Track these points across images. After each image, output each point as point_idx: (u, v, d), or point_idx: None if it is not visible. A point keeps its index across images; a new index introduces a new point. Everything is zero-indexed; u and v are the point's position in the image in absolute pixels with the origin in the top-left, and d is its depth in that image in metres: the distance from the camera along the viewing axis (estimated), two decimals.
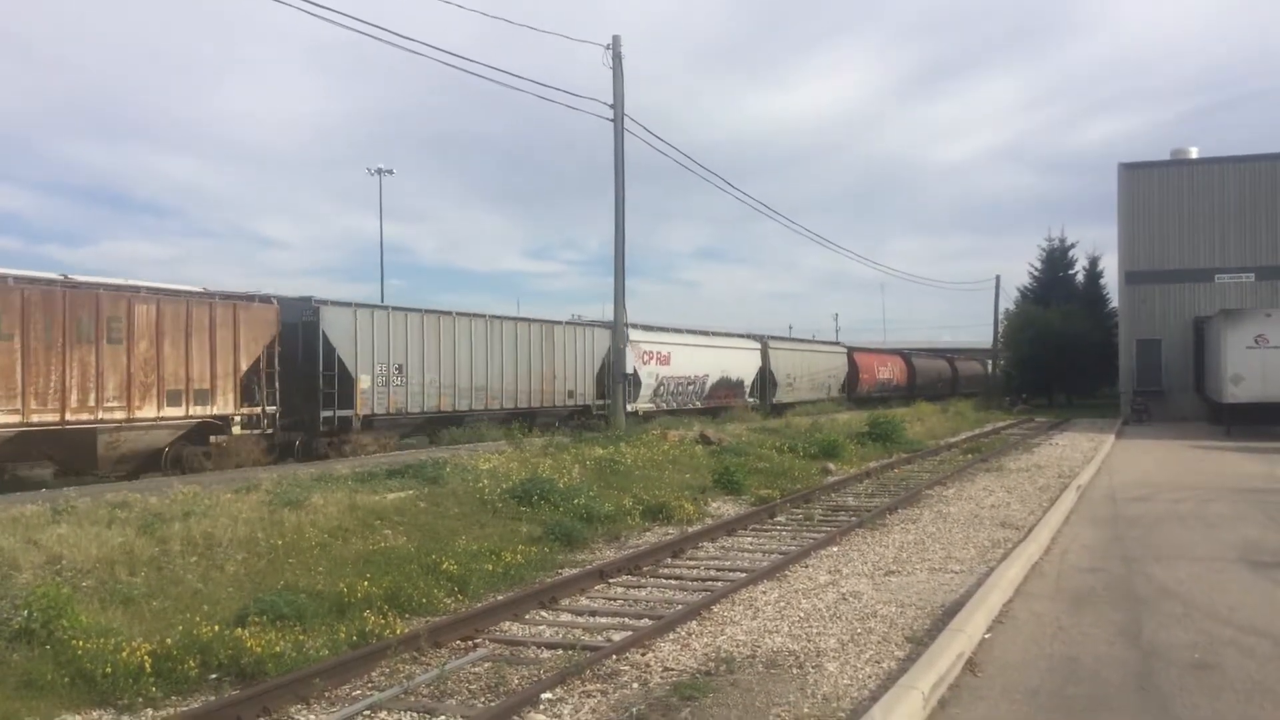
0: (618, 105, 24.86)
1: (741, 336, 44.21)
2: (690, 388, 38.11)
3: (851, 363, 55.04)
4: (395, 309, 24.57)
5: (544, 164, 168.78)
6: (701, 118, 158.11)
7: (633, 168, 32.32)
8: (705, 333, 40.96)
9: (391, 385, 23.86)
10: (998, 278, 68.85)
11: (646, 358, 34.57)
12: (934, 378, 68.67)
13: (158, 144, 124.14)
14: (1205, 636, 7.90)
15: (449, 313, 26.29)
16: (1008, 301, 67.06)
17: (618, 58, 24.82)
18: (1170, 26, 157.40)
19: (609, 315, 27.63)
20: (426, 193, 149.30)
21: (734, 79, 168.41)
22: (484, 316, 27.40)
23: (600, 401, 31.56)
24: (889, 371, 61.26)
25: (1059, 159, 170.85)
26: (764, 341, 44.64)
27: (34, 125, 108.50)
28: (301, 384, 21.75)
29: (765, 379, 44.07)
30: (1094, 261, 61.66)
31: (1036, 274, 63.23)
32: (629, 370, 30.64)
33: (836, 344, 57.45)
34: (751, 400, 42.47)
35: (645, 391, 34.60)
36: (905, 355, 67.04)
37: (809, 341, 53.86)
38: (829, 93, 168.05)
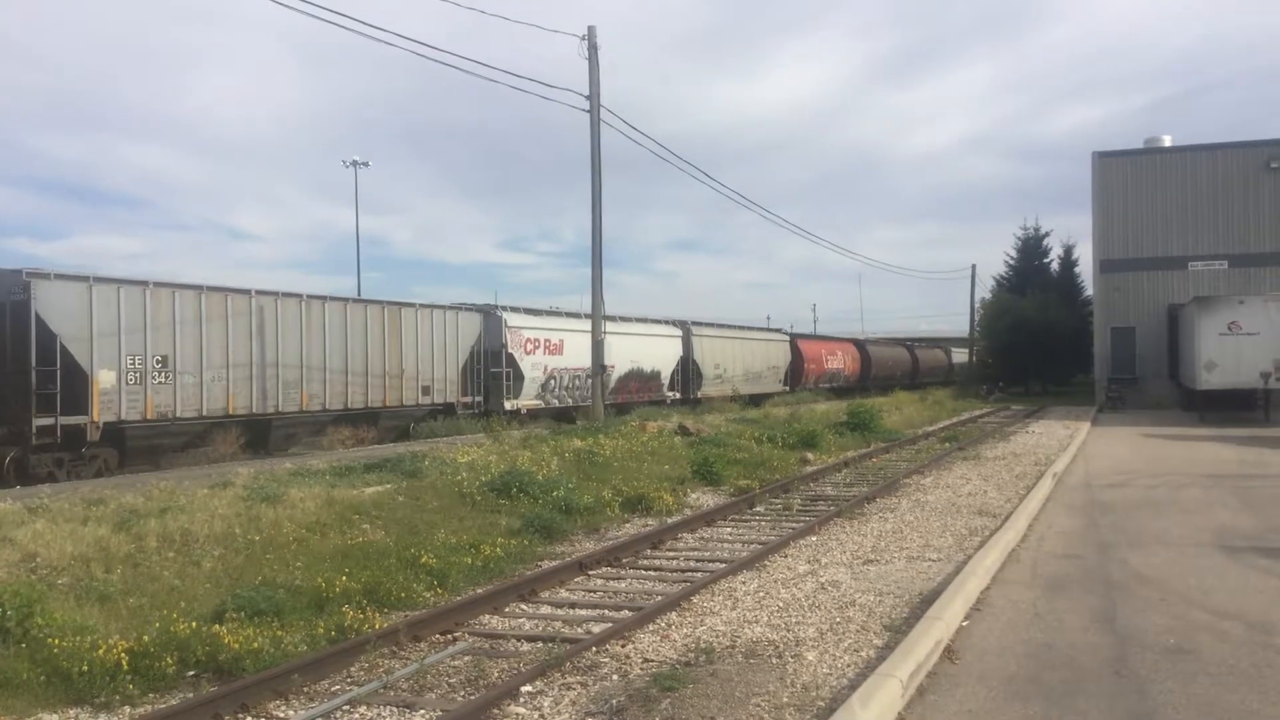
0: (593, 96, 24.82)
1: (659, 322, 39.70)
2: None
3: (795, 351, 51.20)
4: (157, 284, 19.88)
5: (519, 155, 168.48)
6: (676, 107, 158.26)
7: (608, 158, 32.21)
8: (610, 318, 35.06)
9: (151, 383, 19.25)
10: (973, 267, 69.42)
11: (531, 346, 31.11)
12: (891, 368, 65.54)
13: (128, 135, 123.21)
14: (1180, 621, 7.97)
15: (245, 291, 21.75)
16: (984, 290, 67.49)
17: (593, 48, 24.78)
18: (1141, 13, 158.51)
19: (588, 306, 27.44)
20: (401, 184, 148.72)
21: (707, 68, 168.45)
22: (298, 296, 22.99)
23: (469, 399, 28.41)
24: (839, 361, 57.36)
25: (1032, 147, 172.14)
26: (686, 328, 40.48)
27: (2, 118, 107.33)
28: (11, 383, 17.63)
29: (688, 370, 40.21)
30: (1069, 250, 62.19)
31: (1012, 263, 63.69)
32: (509, 360, 29.36)
33: (777, 331, 52.58)
34: (671, 394, 39.09)
35: (530, 386, 31.08)
36: (860, 344, 63.16)
37: (744, 328, 48.15)
38: (802, 81, 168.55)
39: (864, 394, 48.91)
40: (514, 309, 31.51)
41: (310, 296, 23.16)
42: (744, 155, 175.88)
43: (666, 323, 40.08)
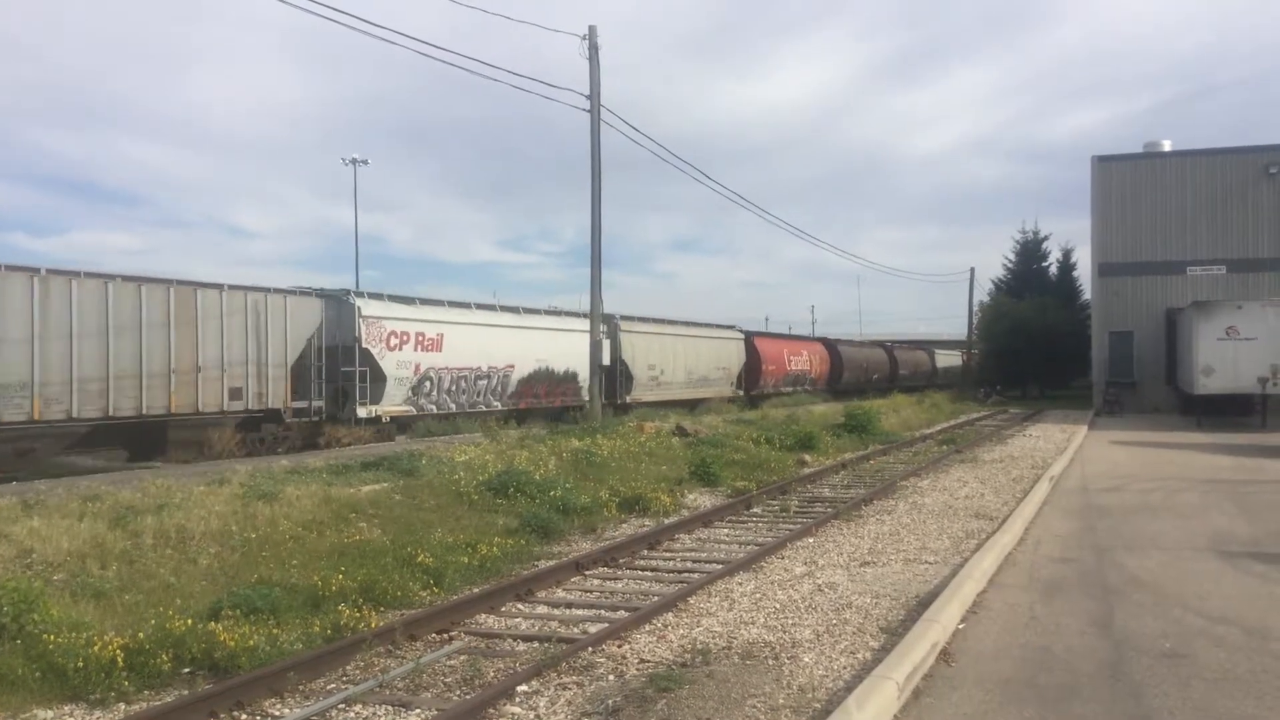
0: (594, 96, 24.80)
1: (575, 315, 33.73)
2: (482, 383, 29.09)
3: (751, 350, 45.17)
4: None
5: (520, 154, 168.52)
6: (677, 107, 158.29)
7: (609, 158, 32.03)
8: (512, 309, 32.11)
9: None
10: (972, 270, 69.32)
11: (396, 341, 25.71)
12: (865, 370, 60.54)
13: (128, 132, 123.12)
14: (1176, 626, 7.98)
15: None
16: (983, 294, 67.52)
17: (594, 48, 24.76)
18: (1142, 18, 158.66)
19: (585, 306, 27.26)
20: (401, 182, 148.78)
21: (710, 68, 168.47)
22: (30, 271, 17.97)
23: (302, 404, 23.28)
24: (804, 362, 51.29)
25: (1032, 150, 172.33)
26: (613, 322, 34.23)
27: (1, 113, 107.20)
28: None
29: (617, 370, 34.14)
30: (1067, 254, 62.37)
31: (1011, 266, 63.80)
32: (365, 357, 24.53)
33: (730, 327, 45.23)
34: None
35: (395, 389, 25.67)
36: (829, 343, 57.46)
37: (688, 324, 41.17)
38: (803, 82, 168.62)
39: (835, 399, 45.04)
40: (375, 295, 26.26)
41: (50, 271, 18.24)
42: (746, 155, 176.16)
43: (586, 316, 30.76)
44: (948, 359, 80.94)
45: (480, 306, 30.64)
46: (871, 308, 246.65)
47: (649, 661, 7.20)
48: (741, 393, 43.13)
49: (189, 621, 7.49)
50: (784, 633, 7.91)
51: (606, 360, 27.62)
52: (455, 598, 9.30)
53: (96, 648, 6.85)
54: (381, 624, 8.08)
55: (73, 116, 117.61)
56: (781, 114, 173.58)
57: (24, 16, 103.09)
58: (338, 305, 24.71)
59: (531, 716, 6.17)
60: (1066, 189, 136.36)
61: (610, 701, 6.31)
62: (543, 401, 31.46)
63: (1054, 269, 62.81)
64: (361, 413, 24.46)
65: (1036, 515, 13.82)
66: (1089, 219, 43.83)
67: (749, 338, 46.03)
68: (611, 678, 6.87)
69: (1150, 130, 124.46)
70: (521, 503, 13.52)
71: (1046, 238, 63.28)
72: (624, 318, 35.61)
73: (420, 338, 26.58)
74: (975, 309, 67.24)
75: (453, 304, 29.33)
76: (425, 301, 28.25)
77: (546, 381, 31.88)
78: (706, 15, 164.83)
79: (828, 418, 29.46)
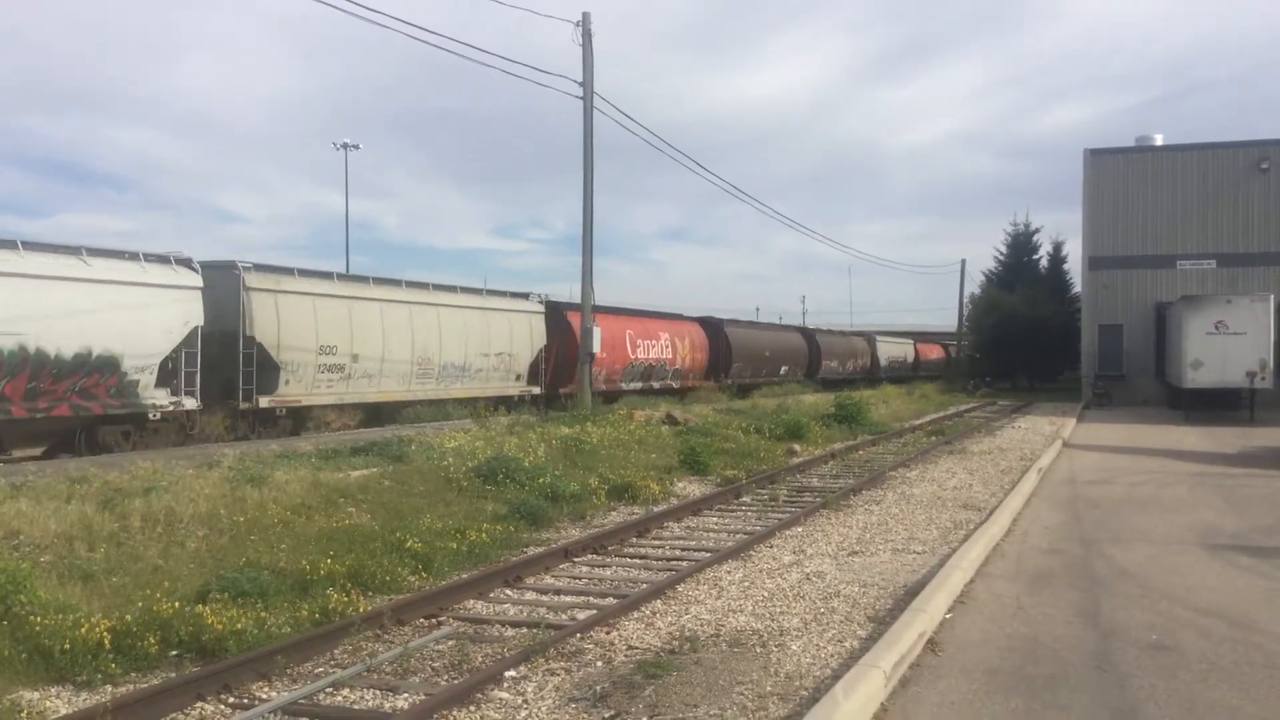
0: (587, 83, 24.73)
1: (157, 261, 19.19)
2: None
3: (561, 331, 30.78)
4: None
5: (510, 143, 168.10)
6: (667, 99, 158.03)
7: (600, 147, 31.67)
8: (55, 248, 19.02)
9: None
10: (963, 262, 69.39)
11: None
12: (769, 361, 45.54)
13: (117, 116, 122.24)
14: (1163, 618, 8.01)
15: None
16: (974, 286, 67.57)
17: (587, 35, 24.68)
18: (1132, 13, 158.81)
19: (577, 296, 27.01)
20: (391, 169, 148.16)
21: (699, 61, 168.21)
22: None
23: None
24: (666, 349, 36.99)
25: (1022, 144, 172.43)
26: (233, 274, 20.48)
27: None
28: None
29: (241, 354, 20.50)
30: (1058, 246, 62.46)
31: (1001, 258, 63.90)
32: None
33: (524, 296, 31.02)
34: (167, 402, 19.04)
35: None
36: (712, 325, 42.14)
37: (417, 286, 26.12)
38: (794, 74, 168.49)
39: (735, 396, 34.95)
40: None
41: None
42: (736, 148, 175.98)
43: (173, 264, 19.34)
44: (898, 348, 70.77)
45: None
46: (862, 299, 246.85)
47: (637, 648, 7.21)
48: (539, 389, 29.99)
49: (176, 604, 7.47)
50: (772, 621, 7.92)
51: (254, 332, 20.19)
52: (444, 583, 9.30)
53: (84, 630, 6.82)
54: (370, 609, 8.08)
55: (60, 100, 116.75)
56: (771, 105, 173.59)
57: (15, 1, 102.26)
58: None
59: (519, 702, 6.17)
60: (1057, 182, 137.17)
61: (598, 688, 6.31)
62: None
63: (1044, 262, 62.99)
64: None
65: (1025, 507, 13.86)
66: (1079, 212, 43.90)
67: (556, 310, 31.59)
68: (600, 664, 6.87)
69: (1139, 127, 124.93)
70: (511, 489, 13.52)
71: (1037, 230, 63.49)
72: (260, 268, 21.41)
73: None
74: (966, 301, 67.35)
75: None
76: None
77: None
78: (696, 7, 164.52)
79: (818, 408, 29.49)
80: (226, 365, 20.09)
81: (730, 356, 41.62)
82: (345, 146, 57.92)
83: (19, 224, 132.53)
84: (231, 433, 19.99)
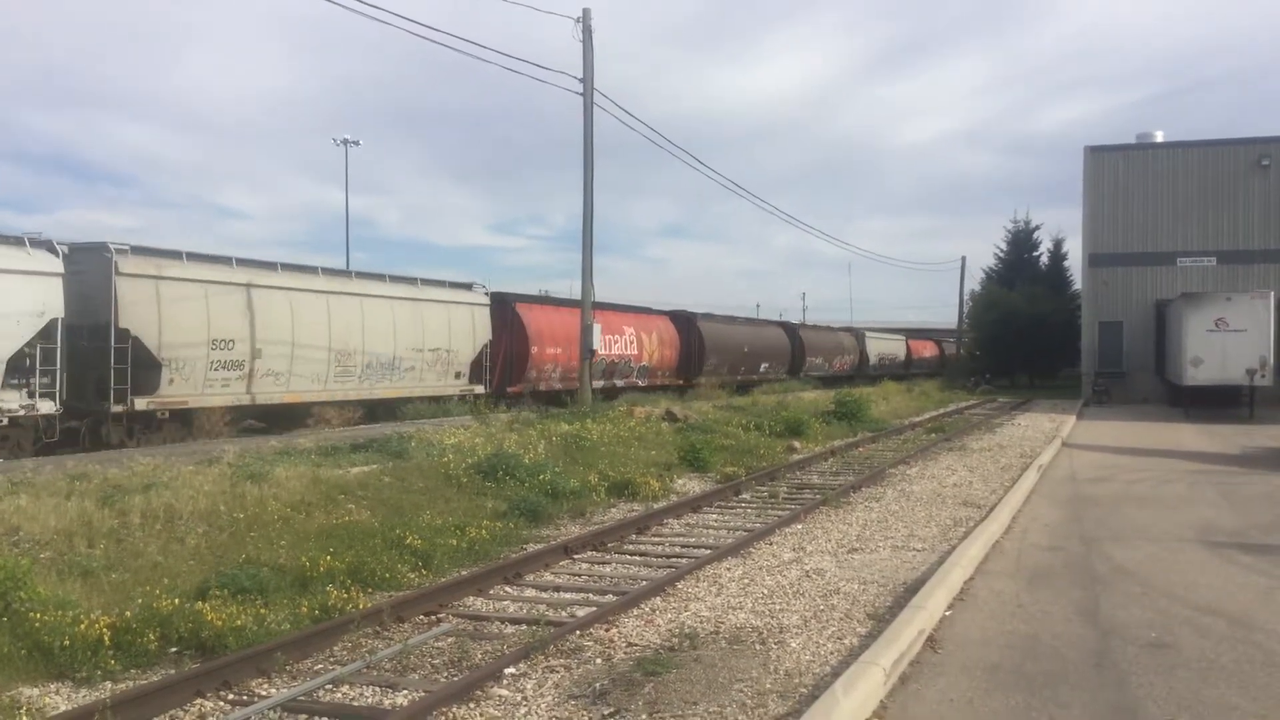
0: (587, 79, 24.69)
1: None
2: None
3: (510, 324, 28.72)
4: None
5: (510, 140, 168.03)
6: (666, 96, 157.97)
7: (600, 143, 31.58)
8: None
9: None
10: (963, 259, 69.40)
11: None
12: (748, 358, 42.91)
13: (117, 113, 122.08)
14: (1162, 615, 8.01)
15: None
16: (974, 283, 67.48)
17: (588, 31, 24.63)
18: (1132, 11, 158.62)
19: (577, 293, 26.91)
20: (390, 166, 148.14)
21: (698, 58, 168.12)
22: None
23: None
24: (626, 344, 33.93)
25: (1022, 141, 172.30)
26: (102, 257, 18.12)
27: None
28: None
29: (114, 347, 17.92)
30: (1058, 244, 62.38)
31: (1001, 255, 63.86)
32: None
33: (467, 286, 27.94)
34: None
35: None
36: (684, 318, 39.22)
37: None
38: (794, 71, 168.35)
39: (694, 399, 30.30)
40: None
41: None
42: (735, 144, 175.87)
43: (27, 247, 17.17)
44: (888, 343, 68.05)
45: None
46: (862, 297, 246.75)
47: (637, 645, 7.21)
48: (482, 389, 27.35)
49: (176, 601, 7.49)
50: (771, 618, 7.92)
51: (128, 324, 17.88)
52: (443, 580, 9.30)
53: (83, 626, 6.82)
54: (369, 605, 8.08)
55: (60, 96, 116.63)
56: (772, 101, 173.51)
57: None
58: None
59: (519, 699, 6.17)
60: (1057, 179, 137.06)
61: (598, 685, 6.31)
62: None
63: (1045, 259, 62.93)
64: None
65: (1024, 504, 13.86)
66: (1080, 209, 43.87)
67: (506, 303, 28.95)
68: (599, 661, 6.87)
69: (1139, 124, 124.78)
70: (510, 486, 13.51)
71: (1038, 228, 63.44)
72: (140, 250, 18.95)
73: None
74: (966, 298, 67.27)
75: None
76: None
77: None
78: (696, 3, 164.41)
79: (818, 405, 29.49)
80: (100, 362, 17.79)
81: (704, 353, 38.82)
82: (345, 142, 57.94)
83: (18, 220, 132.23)
84: (102, 440, 17.74)
